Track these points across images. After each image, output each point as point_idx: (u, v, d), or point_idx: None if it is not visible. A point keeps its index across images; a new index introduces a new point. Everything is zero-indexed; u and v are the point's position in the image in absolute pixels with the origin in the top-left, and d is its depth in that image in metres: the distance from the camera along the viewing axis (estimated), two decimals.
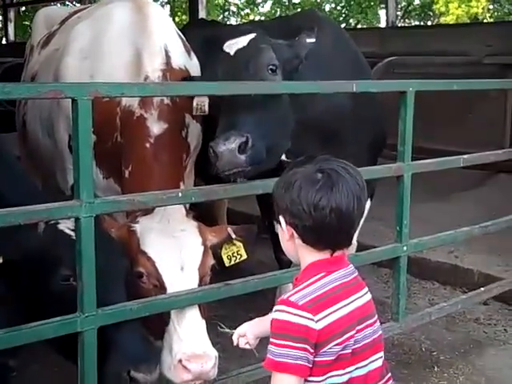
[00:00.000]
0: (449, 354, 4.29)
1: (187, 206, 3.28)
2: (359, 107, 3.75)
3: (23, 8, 19.06)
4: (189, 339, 2.92)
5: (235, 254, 3.23)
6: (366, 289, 2.10)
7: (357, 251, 3.71)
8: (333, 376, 1.97)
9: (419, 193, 3.67)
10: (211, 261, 3.09)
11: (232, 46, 3.25)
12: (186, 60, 3.59)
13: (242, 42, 3.24)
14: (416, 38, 8.29)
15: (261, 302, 4.77)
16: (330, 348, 1.94)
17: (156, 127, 3.25)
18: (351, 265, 2.10)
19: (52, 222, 2.74)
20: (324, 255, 2.02)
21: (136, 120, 3.28)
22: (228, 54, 3.23)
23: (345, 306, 1.97)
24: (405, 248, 3.60)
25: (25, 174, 3.04)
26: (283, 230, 2.04)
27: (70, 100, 2.45)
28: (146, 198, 2.70)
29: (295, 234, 2.01)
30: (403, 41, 8.34)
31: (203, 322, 3.00)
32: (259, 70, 3.16)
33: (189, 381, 2.88)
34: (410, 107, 3.45)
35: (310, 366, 1.93)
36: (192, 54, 3.74)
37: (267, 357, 1.94)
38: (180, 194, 2.76)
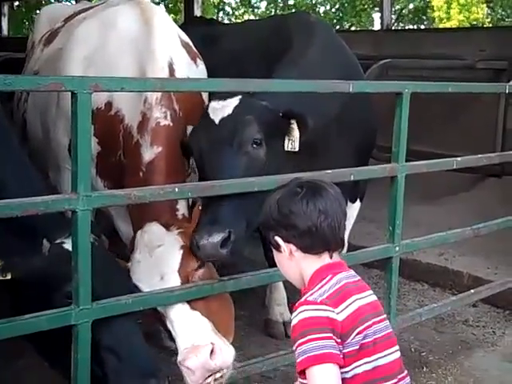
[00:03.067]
0: (438, 354, 4.32)
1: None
2: (349, 111, 3.78)
3: (17, 3, 19.01)
4: (180, 339, 2.93)
5: None
6: (371, 290, 2.21)
7: (348, 252, 3.74)
8: (359, 366, 2.06)
9: (409, 195, 3.69)
10: (195, 260, 3.06)
11: (217, 111, 3.19)
12: (190, 71, 3.58)
13: (227, 108, 3.18)
14: (410, 41, 8.34)
15: (252, 301, 4.81)
16: (353, 338, 2.05)
17: (148, 154, 3.22)
18: (351, 270, 2.23)
19: (58, 241, 2.76)
20: (324, 260, 2.16)
21: (134, 145, 3.28)
22: (213, 121, 3.19)
23: (358, 299, 2.10)
24: (397, 248, 3.63)
25: (31, 167, 3.04)
26: (283, 251, 2.18)
27: (70, 93, 2.47)
28: (142, 193, 2.71)
29: (293, 248, 2.16)
30: (397, 44, 8.39)
31: (194, 314, 2.97)
32: (243, 145, 3.13)
33: (201, 379, 2.86)
34: (406, 108, 3.47)
35: (342, 356, 2.02)
36: (198, 60, 3.75)
37: (299, 359, 2.01)
38: (176, 190, 2.77)
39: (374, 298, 2.19)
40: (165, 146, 3.23)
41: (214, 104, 3.23)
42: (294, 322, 2.07)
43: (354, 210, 4.32)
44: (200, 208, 3.16)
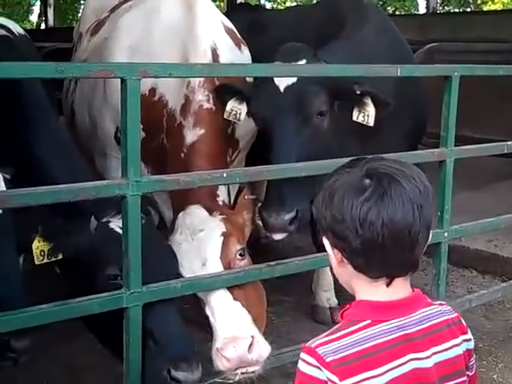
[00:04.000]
0: (487, 341, 4.25)
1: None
2: (402, 95, 3.74)
3: None
4: (220, 327, 2.94)
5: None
6: (462, 337, 1.66)
7: None
8: None
9: (455, 181, 3.63)
10: (236, 246, 3.09)
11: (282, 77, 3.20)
12: (234, 56, 3.59)
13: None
14: (456, 25, 8.20)
15: (297, 287, 4.81)
16: None
17: (190, 135, 3.25)
18: (428, 309, 1.64)
19: (104, 220, 2.81)
20: (377, 289, 1.61)
21: (177, 127, 3.32)
22: (277, 88, 3.18)
23: (392, 369, 1.54)
24: (446, 234, 3.58)
25: (79, 156, 3.10)
26: (331, 257, 1.68)
27: (120, 80, 2.50)
28: (191, 178, 2.73)
29: (344, 260, 1.62)
30: (443, 27, 8.25)
31: (235, 304, 2.98)
32: (308, 116, 3.16)
33: (232, 368, 2.88)
34: (455, 92, 3.42)
35: None
36: (243, 46, 3.76)
37: None
38: (225, 175, 2.79)
39: (455, 352, 1.62)
40: (207, 129, 3.25)
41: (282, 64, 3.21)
42: (298, 364, 1.60)
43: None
44: (245, 196, 3.18)
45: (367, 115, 3.22)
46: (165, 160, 3.36)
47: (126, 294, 2.59)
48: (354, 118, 3.25)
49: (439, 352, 1.59)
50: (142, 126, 3.32)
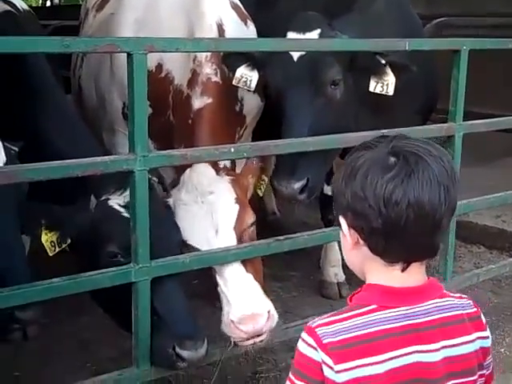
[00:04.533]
0: (495, 316, 4.26)
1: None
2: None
3: None
4: (236, 302, 2.92)
5: (261, 182, 3.29)
6: (477, 334, 1.55)
7: None
8: None
9: (463, 157, 3.62)
10: (250, 217, 3.08)
11: None
12: (240, 31, 3.57)
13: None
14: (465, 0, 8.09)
15: (305, 263, 4.83)
16: None
17: (197, 102, 3.23)
18: (441, 300, 1.54)
19: (103, 198, 2.80)
20: (391, 274, 1.51)
21: (184, 99, 3.31)
22: (291, 58, 3.15)
23: (392, 358, 1.45)
24: None
25: (85, 131, 3.10)
26: (345, 236, 1.56)
27: (126, 54, 2.49)
28: (198, 153, 2.73)
29: (361, 241, 1.52)
30: (451, 2, 8.15)
31: (249, 277, 2.99)
32: (321, 86, 3.14)
33: (246, 338, 2.90)
34: (464, 66, 3.39)
35: None
36: (249, 21, 3.73)
37: None
38: (232, 150, 2.78)
39: (467, 348, 1.52)
40: (215, 99, 3.23)
41: (292, 37, 3.18)
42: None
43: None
44: (254, 162, 3.17)
45: (386, 84, 3.19)
46: (171, 137, 3.36)
47: (135, 269, 2.60)
48: (371, 89, 3.22)
49: (449, 347, 1.49)
50: (148, 103, 3.35)
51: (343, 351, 1.43)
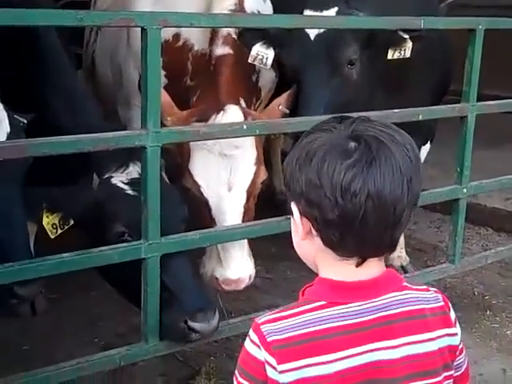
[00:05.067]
0: (502, 298, 4.27)
1: None
2: (427, 49, 3.68)
3: None
4: (227, 265, 3.07)
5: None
6: (442, 331, 1.40)
7: None
8: None
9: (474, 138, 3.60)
10: (263, 176, 3.14)
11: None
12: (259, 4, 3.56)
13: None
14: None
15: None
16: None
17: (219, 50, 3.27)
18: (400, 293, 1.39)
19: (106, 176, 2.77)
20: (347, 265, 1.37)
21: (207, 58, 3.32)
22: (307, 36, 3.13)
23: (343, 358, 1.32)
24: (465, 190, 3.56)
25: (94, 106, 3.09)
26: (296, 224, 1.40)
27: (140, 29, 2.47)
28: (211, 129, 2.72)
29: (313, 231, 1.37)
30: None
31: (245, 242, 3.11)
32: (338, 66, 3.15)
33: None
34: (479, 46, 3.36)
35: None
36: None
37: None
38: (245, 127, 2.77)
39: (430, 346, 1.37)
40: (234, 51, 3.26)
41: (309, 14, 3.16)
42: None
43: (424, 152, 4.25)
44: (279, 106, 3.17)
45: (404, 49, 3.20)
46: (184, 101, 3.35)
47: (145, 245, 2.59)
48: (390, 57, 3.22)
49: (410, 344, 1.35)
50: (164, 73, 3.34)
51: (288, 350, 1.32)
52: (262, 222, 3.02)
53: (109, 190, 2.75)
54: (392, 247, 1.40)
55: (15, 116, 2.57)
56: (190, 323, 2.58)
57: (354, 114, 1.47)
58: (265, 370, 1.33)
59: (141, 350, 2.68)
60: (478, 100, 3.48)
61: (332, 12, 3.15)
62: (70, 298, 3.83)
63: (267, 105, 3.70)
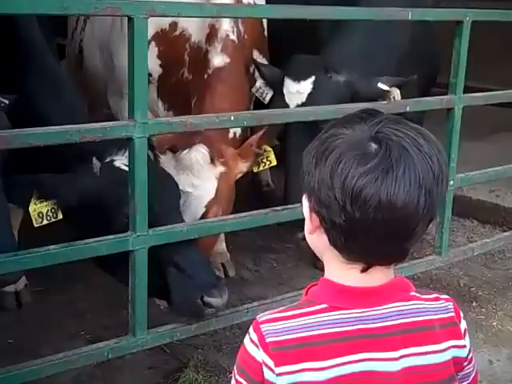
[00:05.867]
0: (487, 290, 4.29)
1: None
2: (416, 44, 3.71)
3: None
4: None
5: (264, 161, 3.30)
6: (449, 343, 1.34)
7: None
8: None
9: (460, 131, 3.60)
10: (215, 214, 3.16)
11: (291, 96, 3.31)
12: None
13: (303, 95, 3.29)
14: None
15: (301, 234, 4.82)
16: None
17: (217, 59, 3.28)
18: (406, 303, 1.33)
19: (108, 160, 2.77)
20: (351, 269, 1.32)
21: (203, 55, 3.32)
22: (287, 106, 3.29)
23: (339, 365, 1.27)
24: (451, 182, 3.56)
25: (74, 96, 3.05)
26: (306, 218, 1.36)
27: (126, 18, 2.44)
28: (198, 120, 2.70)
29: (322, 228, 1.32)
30: None
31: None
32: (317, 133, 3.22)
33: None
34: (466, 38, 3.36)
35: None
36: None
37: None
38: (232, 118, 2.75)
39: (434, 359, 1.32)
40: (232, 59, 3.27)
41: (288, 86, 3.27)
42: None
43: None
44: (253, 145, 3.16)
45: (393, 97, 3.32)
46: (183, 95, 3.33)
47: (132, 237, 2.58)
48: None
49: (411, 355, 1.29)
50: (159, 62, 3.32)
51: (286, 353, 1.28)
52: (251, 213, 3.01)
53: (114, 174, 2.76)
54: (401, 258, 1.32)
55: None
56: (207, 299, 2.69)
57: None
58: (262, 371, 1.30)
59: (128, 342, 2.67)
60: (465, 92, 3.49)
61: (309, 82, 3.25)
62: (56, 291, 3.80)
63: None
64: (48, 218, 2.67)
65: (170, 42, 3.30)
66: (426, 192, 1.23)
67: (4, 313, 3.66)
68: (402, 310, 1.31)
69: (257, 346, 1.31)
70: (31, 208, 2.63)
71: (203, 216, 3.13)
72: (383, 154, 1.22)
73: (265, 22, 3.65)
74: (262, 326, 1.32)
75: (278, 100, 3.35)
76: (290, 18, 2.93)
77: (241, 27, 3.36)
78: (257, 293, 3.93)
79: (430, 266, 3.71)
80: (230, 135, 3.26)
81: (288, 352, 1.28)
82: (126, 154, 2.71)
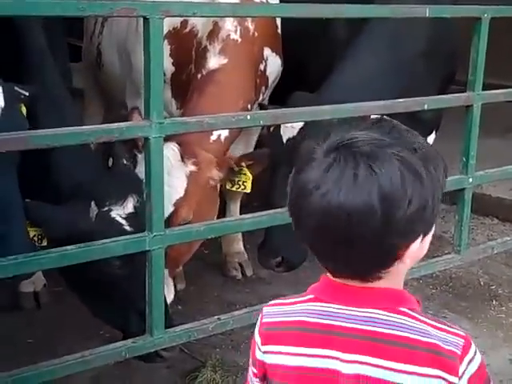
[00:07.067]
0: (507, 288, 4.25)
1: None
2: (434, 42, 3.68)
3: None
4: None
5: (240, 182, 3.24)
6: (435, 371, 1.24)
7: None
8: None
9: (480, 128, 3.56)
10: (184, 218, 3.10)
11: (285, 130, 3.24)
12: None
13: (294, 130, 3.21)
14: None
15: None
16: None
17: (213, 61, 3.24)
18: (393, 315, 1.27)
19: (105, 209, 2.70)
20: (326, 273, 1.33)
21: (201, 51, 3.30)
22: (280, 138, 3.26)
23: (305, 355, 1.30)
24: (470, 180, 3.53)
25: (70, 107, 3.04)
26: None
27: (142, 19, 2.44)
28: (215, 120, 2.69)
29: None
30: None
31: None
32: None
33: None
34: (484, 35, 3.32)
35: None
36: None
37: None
38: (248, 117, 2.74)
39: (394, 377, 1.24)
40: (231, 59, 3.24)
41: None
42: None
43: (429, 142, 4.22)
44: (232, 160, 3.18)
45: None
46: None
47: (149, 237, 2.58)
48: None
49: (365, 364, 1.25)
50: (172, 61, 3.30)
51: (271, 333, 1.35)
52: (268, 212, 3.00)
53: (108, 225, 2.68)
54: (360, 272, 1.26)
55: (15, 88, 2.50)
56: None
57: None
58: (255, 351, 1.38)
59: (146, 342, 2.67)
60: (483, 89, 3.45)
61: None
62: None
63: None
64: (33, 242, 2.61)
65: (180, 40, 3.31)
66: (381, 198, 1.18)
67: (23, 313, 3.69)
68: (380, 319, 1.26)
69: (256, 327, 1.40)
70: None
71: (172, 217, 3.04)
72: (338, 163, 1.20)
73: (278, 19, 3.64)
74: (265, 308, 1.40)
75: (275, 134, 3.31)
76: (305, 17, 2.93)
77: (250, 24, 3.34)
78: (274, 292, 3.91)
79: (448, 264, 3.68)
80: (213, 137, 3.19)
81: (273, 333, 1.35)
82: (126, 205, 2.71)
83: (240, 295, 3.97)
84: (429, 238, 1.30)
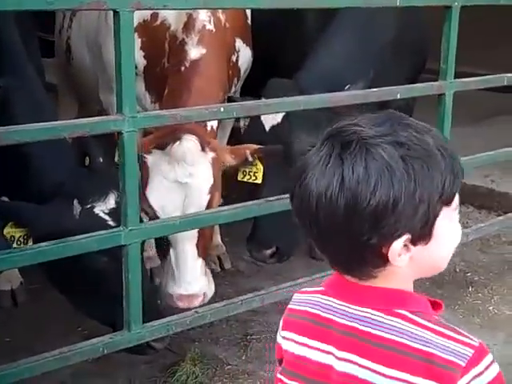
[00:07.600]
0: (483, 275, 4.30)
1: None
2: (403, 33, 3.69)
3: None
4: (180, 281, 3.07)
5: (251, 173, 3.28)
6: (426, 382, 1.18)
7: None
8: None
9: (454, 116, 3.59)
10: (218, 202, 3.15)
11: (267, 118, 3.26)
12: None
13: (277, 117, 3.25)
14: None
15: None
16: None
17: (193, 52, 3.24)
18: (388, 317, 1.23)
19: (88, 206, 2.72)
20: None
21: (178, 44, 3.28)
22: (263, 127, 3.30)
23: (308, 346, 1.31)
24: None
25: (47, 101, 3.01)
26: None
27: (112, 12, 2.42)
28: (188, 113, 2.68)
29: None
30: None
31: (199, 261, 3.12)
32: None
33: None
34: (455, 23, 3.34)
35: None
36: None
37: None
38: (222, 109, 2.74)
39: (379, 380, 1.21)
40: (209, 49, 3.24)
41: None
42: None
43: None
44: (249, 150, 3.18)
45: None
46: (165, 84, 3.32)
47: (125, 232, 2.57)
48: None
49: (352, 363, 1.24)
50: (143, 54, 3.28)
51: (288, 320, 1.37)
52: (244, 204, 3.00)
53: (93, 221, 2.70)
54: (356, 265, 1.24)
55: None
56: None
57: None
58: (277, 334, 1.41)
59: (124, 337, 2.66)
60: (457, 77, 3.48)
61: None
62: (51, 288, 3.77)
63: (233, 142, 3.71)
64: (18, 242, 2.63)
65: (151, 33, 3.29)
66: (339, 179, 1.18)
67: (0, 311, 3.66)
68: (373, 320, 1.24)
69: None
70: (6, 230, 2.61)
71: (209, 205, 3.08)
72: (328, 150, 1.21)
73: (248, 10, 3.65)
74: (295, 294, 1.41)
75: (254, 122, 3.33)
76: (278, 8, 2.92)
77: (221, 15, 3.36)
78: (253, 284, 3.93)
79: None
80: (208, 128, 3.21)
81: (290, 319, 1.37)
82: (107, 201, 2.72)
83: (219, 288, 3.96)
84: (438, 243, 1.23)
